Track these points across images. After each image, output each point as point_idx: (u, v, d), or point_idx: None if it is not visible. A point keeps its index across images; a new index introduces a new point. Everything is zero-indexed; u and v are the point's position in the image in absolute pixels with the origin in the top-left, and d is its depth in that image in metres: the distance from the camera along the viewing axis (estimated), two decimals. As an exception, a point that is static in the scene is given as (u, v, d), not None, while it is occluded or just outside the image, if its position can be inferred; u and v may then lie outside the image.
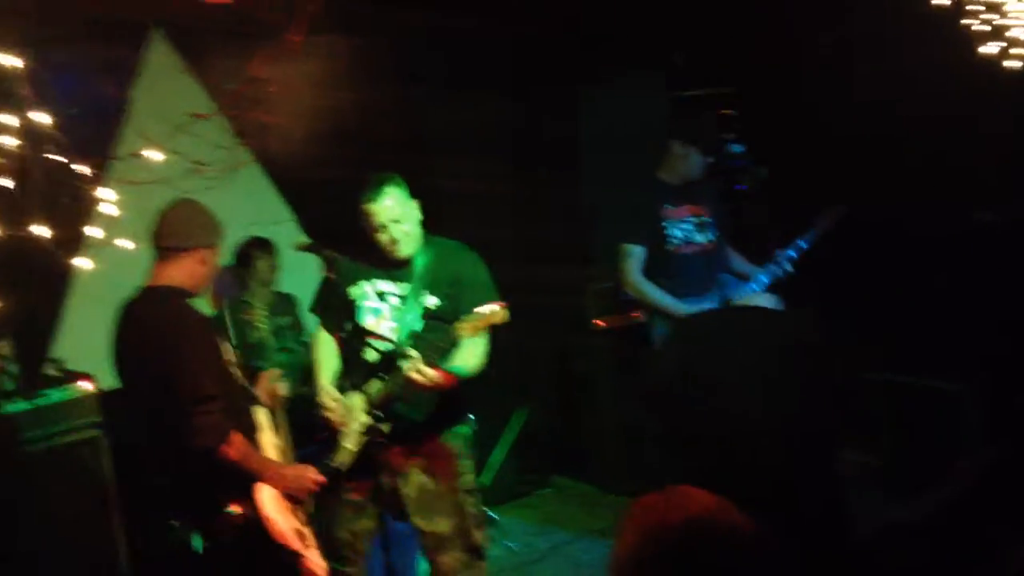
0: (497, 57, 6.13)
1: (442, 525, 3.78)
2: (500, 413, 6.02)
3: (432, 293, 3.73)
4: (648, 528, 1.52)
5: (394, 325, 3.74)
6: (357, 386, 3.70)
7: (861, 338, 5.66)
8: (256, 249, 5.22)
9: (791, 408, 3.57)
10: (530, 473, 6.14)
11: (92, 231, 3.52)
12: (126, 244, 3.48)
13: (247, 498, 3.33)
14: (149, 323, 3.32)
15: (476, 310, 3.47)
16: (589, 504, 5.85)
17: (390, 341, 3.72)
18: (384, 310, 3.77)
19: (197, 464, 3.23)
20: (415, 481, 3.78)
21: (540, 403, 6.19)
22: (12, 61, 3.31)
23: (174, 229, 3.38)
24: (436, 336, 3.60)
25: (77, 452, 3.98)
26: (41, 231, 3.26)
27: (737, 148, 4.66)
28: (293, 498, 3.47)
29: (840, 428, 3.97)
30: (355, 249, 3.85)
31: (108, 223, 3.50)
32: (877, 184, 5.65)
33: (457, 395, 3.84)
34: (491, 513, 5.60)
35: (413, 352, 3.51)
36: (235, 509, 3.29)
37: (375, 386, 3.64)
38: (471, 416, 5.30)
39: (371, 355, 3.74)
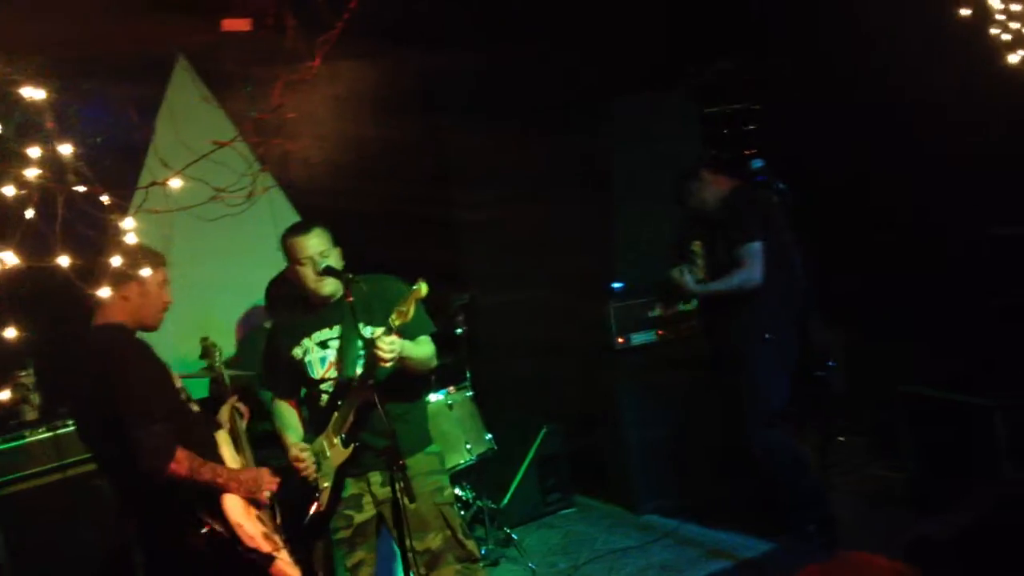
0: (521, 81, 6.16)
1: (434, 541, 3.88)
2: (521, 434, 6.03)
3: (369, 324, 3.79)
4: None
5: (339, 363, 3.89)
6: (320, 432, 3.90)
7: (891, 350, 5.67)
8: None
9: None
10: (552, 493, 6.13)
11: (114, 260, 3.56)
12: (146, 273, 3.52)
13: (215, 509, 3.44)
14: (88, 358, 3.50)
15: (404, 301, 3.55)
16: (612, 524, 5.84)
17: (334, 379, 3.89)
18: (329, 355, 3.93)
19: (155, 484, 3.35)
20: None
21: (562, 423, 6.18)
22: (35, 93, 3.38)
23: (102, 271, 3.48)
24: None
25: (94, 480, 4.02)
26: (63, 261, 3.30)
27: (757, 163, 4.66)
28: (256, 502, 3.60)
29: None
30: (288, 314, 4.12)
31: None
32: (896, 198, 5.65)
33: (419, 419, 4.07)
34: (512, 533, 5.60)
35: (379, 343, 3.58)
36: (206, 524, 3.41)
37: (334, 417, 3.82)
38: (489, 436, 5.35)
39: (324, 399, 3.92)
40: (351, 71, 5.89)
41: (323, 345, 3.93)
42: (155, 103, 5.02)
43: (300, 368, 3.95)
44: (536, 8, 5.83)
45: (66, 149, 3.37)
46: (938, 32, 4.71)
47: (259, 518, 3.62)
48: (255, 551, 3.48)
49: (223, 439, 3.75)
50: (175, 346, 5.31)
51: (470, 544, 3.99)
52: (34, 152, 3.40)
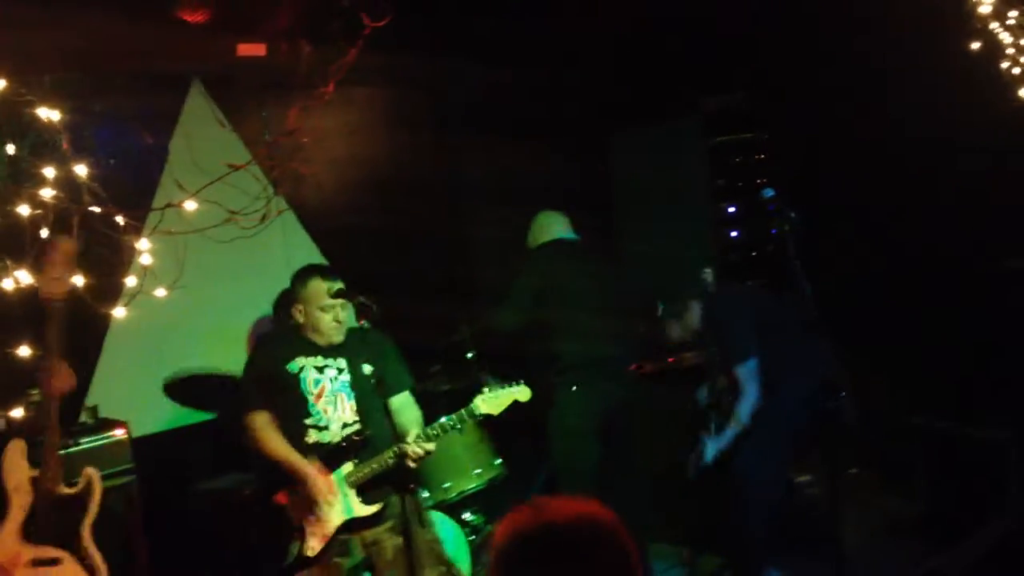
0: (530, 104, 6.18)
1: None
2: (531, 458, 5.98)
3: (366, 363, 3.91)
4: (511, 525, 1.76)
5: (349, 402, 3.93)
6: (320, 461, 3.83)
7: (902, 382, 5.62)
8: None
9: None
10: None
11: (128, 280, 3.57)
12: (161, 293, 3.52)
13: None
14: None
15: (501, 390, 3.76)
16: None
17: (354, 424, 3.90)
18: (324, 381, 3.92)
19: None
20: (389, 545, 3.85)
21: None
22: (51, 113, 3.39)
23: None
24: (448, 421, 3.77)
25: (108, 499, 3.99)
26: (77, 280, 3.31)
27: (769, 192, 4.63)
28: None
29: None
30: (280, 335, 4.14)
31: (144, 272, 3.54)
32: (910, 227, 5.63)
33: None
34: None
35: (414, 447, 3.68)
36: None
37: (350, 469, 3.81)
38: (499, 460, 5.31)
39: (319, 434, 3.87)
40: (364, 94, 5.91)
41: (319, 370, 3.94)
42: (169, 125, 5.03)
43: (292, 382, 3.91)
44: (550, 31, 5.85)
45: (81, 170, 3.37)
46: (948, 65, 4.71)
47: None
48: None
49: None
50: (188, 365, 5.32)
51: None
52: (49, 172, 3.41)
